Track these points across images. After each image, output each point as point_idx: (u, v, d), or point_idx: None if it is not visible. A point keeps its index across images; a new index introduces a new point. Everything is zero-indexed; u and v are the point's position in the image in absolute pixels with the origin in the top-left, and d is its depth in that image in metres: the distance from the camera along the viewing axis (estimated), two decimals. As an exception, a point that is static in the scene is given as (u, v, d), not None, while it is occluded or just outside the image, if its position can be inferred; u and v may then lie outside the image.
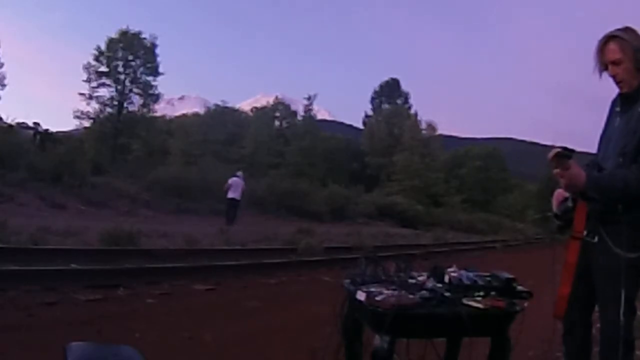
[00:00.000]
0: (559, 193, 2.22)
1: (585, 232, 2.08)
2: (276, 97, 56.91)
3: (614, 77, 2.06)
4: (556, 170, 1.95)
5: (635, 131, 1.98)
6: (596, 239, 2.05)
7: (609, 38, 2.05)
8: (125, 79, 36.41)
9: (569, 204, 2.16)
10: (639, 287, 2.04)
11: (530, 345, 3.51)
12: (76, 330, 3.76)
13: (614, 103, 2.20)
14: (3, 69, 30.13)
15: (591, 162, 2.25)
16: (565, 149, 1.91)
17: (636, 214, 1.95)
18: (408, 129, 47.04)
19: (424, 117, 56.86)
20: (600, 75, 2.11)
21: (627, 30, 2.05)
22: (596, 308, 2.17)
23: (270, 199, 21.66)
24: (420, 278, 2.35)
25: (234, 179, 16.27)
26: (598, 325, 2.17)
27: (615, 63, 2.03)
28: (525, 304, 2.17)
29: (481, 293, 2.15)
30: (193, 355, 3.50)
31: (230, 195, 15.92)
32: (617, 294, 1.93)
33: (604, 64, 2.08)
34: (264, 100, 64.34)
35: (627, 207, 1.97)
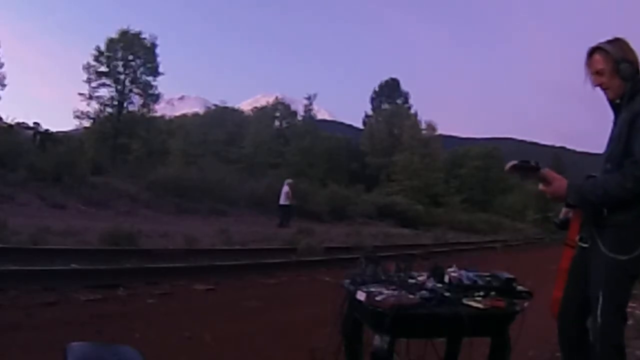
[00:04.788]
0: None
1: (579, 237, 2.19)
2: (276, 97, 56.91)
3: (599, 85, 2.21)
4: (541, 187, 2.14)
5: (619, 136, 2.08)
6: (589, 242, 2.14)
7: (594, 50, 2.20)
8: (125, 79, 36.32)
9: (570, 215, 2.28)
10: (629, 291, 2.10)
11: (530, 345, 3.51)
12: (76, 330, 3.75)
13: None
14: (3, 69, 30.10)
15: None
16: (524, 162, 2.10)
17: (620, 216, 2.03)
18: (408, 129, 47.00)
19: (424, 117, 57.01)
20: (593, 84, 2.25)
21: (614, 41, 2.18)
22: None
23: (271, 199, 21.63)
24: (420, 278, 2.36)
25: (286, 187, 17.42)
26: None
27: (599, 73, 2.18)
28: (525, 304, 2.18)
29: (481, 293, 2.15)
30: (193, 355, 3.50)
31: (282, 202, 17.24)
32: (600, 294, 2.03)
33: (592, 74, 2.22)
34: (264, 100, 64.29)
35: (611, 211, 2.05)
